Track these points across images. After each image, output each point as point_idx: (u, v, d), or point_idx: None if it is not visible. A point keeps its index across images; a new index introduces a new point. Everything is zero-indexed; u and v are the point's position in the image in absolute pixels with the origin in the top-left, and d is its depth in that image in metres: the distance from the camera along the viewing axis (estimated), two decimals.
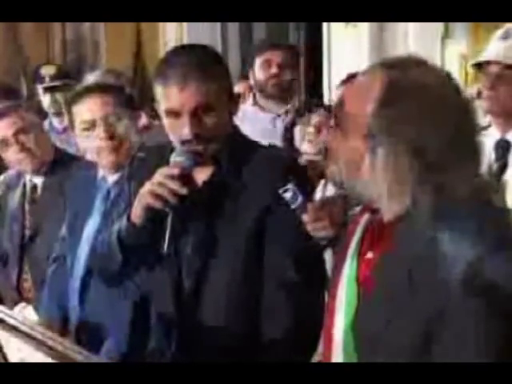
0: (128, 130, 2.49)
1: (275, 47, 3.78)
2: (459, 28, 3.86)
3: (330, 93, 4.37)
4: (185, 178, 1.91)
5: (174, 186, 1.89)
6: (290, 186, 1.82)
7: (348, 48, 4.24)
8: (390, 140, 1.39)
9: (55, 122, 4.35)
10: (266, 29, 5.59)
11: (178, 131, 1.93)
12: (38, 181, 3.08)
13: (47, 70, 4.40)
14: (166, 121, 1.96)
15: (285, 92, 3.70)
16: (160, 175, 1.91)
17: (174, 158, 1.94)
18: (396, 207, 1.42)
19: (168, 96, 1.92)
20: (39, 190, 3.08)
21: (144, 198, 1.92)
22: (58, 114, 4.30)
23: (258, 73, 3.70)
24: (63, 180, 2.90)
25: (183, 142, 1.93)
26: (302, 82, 5.21)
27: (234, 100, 2.04)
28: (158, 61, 2.02)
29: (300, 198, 1.81)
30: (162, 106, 1.95)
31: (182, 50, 2.07)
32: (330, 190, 2.67)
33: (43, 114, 4.12)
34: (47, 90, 4.35)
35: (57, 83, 4.32)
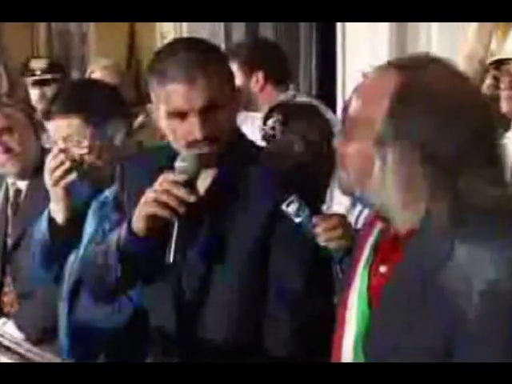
0: (103, 140, 2.51)
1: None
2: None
3: (344, 90, 4.39)
4: (191, 184, 1.92)
5: (182, 193, 1.89)
6: (293, 197, 1.85)
7: (365, 42, 4.25)
8: (402, 145, 1.42)
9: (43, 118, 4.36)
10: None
11: (184, 134, 1.94)
12: (23, 185, 3.09)
13: (37, 63, 4.42)
14: (166, 123, 1.97)
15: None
16: (165, 182, 1.91)
17: (180, 163, 1.94)
18: (409, 217, 1.45)
19: (171, 95, 1.93)
20: (23, 195, 3.09)
21: (148, 206, 1.92)
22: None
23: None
24: None
25: (190, 145, 1.95)
26: (313, 80, 5.26)
27: (237, 94, 2.07)
28: (154, 56, 2.02)
29: (306, 211, 1.86)
30: (161, 107, 1.96)
31: (181, 43, 2.07)
32: (337, 199, 2.68)
33: (30, 111, 4.12)
34: (36, 83, 4.37)
35: (47, 77, 4.34)
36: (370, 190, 1.48)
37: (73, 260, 2.54)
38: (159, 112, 1.98)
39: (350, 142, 1.50)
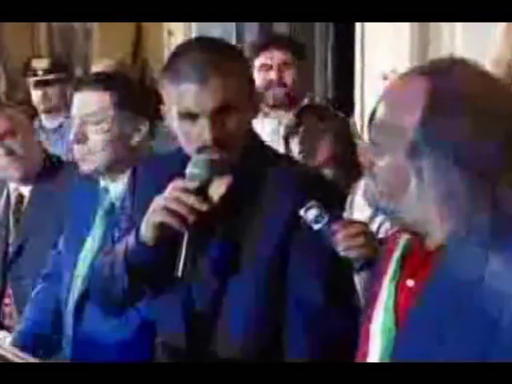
0: (124, 131, 2.53)
1: (272, 45, 3.70)
2: None
3: (363, 92, 4.39)
4: (203, 191, 1.92)
5: (193, 201, 1.89)
6: (313, 202, 1.85)
7: (385, 43, 4.25)
8: (437, 153, 1.43)
9: (46, 120, 4.39)
10: None
11: (195, 137, 1.95)
12: (25, 190, 3.10)
13: (39, 63, 4.44)
14: (178, 125, 1.97)
15: (288, 99, 3.65)
16: (175, 189, 1.91)
17: (191, 169, 1.94)
18: (446, 229, 1.46)
19: (183, 95, 1.93)
20: (26, 201, 3.10)
21: (157, 215, 1.92)
22: (49, 111, 4.35)
23: (257, 79, 3.55)
24: (55, 189, 2.94)
25: (200, 150, 1.94)
26: (329, 81, 5.25)
27: (255, 99, 2.07)
28: (169, 55, 2.02)
29: (326, 217, 1.85)
30: (173, 108, 1.97)
31: (195, 43, 2.09)
32: (359, 207, 2.69)
33: (32, 112, 4.16)
34: (38, 84, 4.39)
35: (50, 77, 4.36)
36: (404, 204, 1.49)
37: (80, 267, 2.56)
38: (171, 113, 1.99)
39: (381, 153, 1.51)
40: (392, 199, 1.51)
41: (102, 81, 2.55)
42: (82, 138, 2.50)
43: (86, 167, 2.54)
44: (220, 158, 1.94)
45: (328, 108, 3.21)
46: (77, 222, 2.62)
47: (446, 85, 1.46)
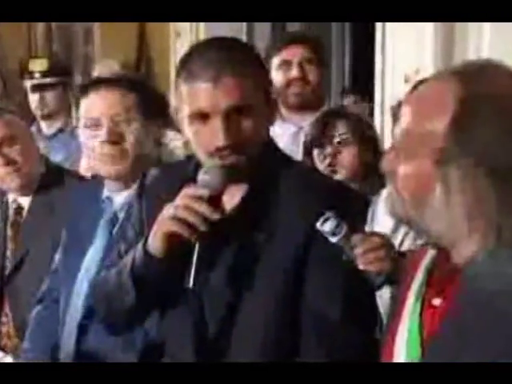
0: (140, 138, 2.54)
1: (294, 42, 3.68)
2: None
3: (383, 95, 4.40)
4: (215, 199, 1.92)
5: (205, 209, 1.89)
6: (330, 213, 1.86)
7: (406, 42, 4.25)
8: (467, 161, 1.44)
9: (44, 126, 4.40)
10: None
11: (207, 139, 1.95)
12: (24, 201, 3.11)
13: (36, 65, 4.44)
14: (189, 127, 1.98)
15: (310, 100, 3.64)
16: (186, 197, 1.92)
17: (203, 175, 1.94)
18: (474, 242, 1.46)
19: (196, 95, 1.94)
20: (25, 212, 3.10)
21: (166, 224, 1.92)
22: (48, 116, 4.35)
23: (276, 77, 3.60)
24: (55, 199, 2.95)
25: (213, 154, 1.95)
26: (346, 83, 5.24)
27: (273, 102, 2.07)
28: (183, 55, 2.05)
29: (344, 229, 1.86)
30: (185, 108, 1.98)
31: (211, 42, 2.10)
32: (380, 219, 2.69)
33: (30, 117, 4.16)
34: (36, 87, 4.39)
35: (48, 80, 4.37)
36: (427, 214, 1.49)
37: (80, 282, 2.56)
38: (183, 113, 2.00)
39: (406, 160, 1.52)
40: (415, 208, 1.51)
41: (127, 81, 2.57)
42: (117, 140, 2.51)
43: (112, 171, 2.54)
44: (234, 164, 1.95)
45: (355, 114, 3.18)
46: (77, 233, 2.63)
47: (476, 88, 1.47)
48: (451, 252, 1.52)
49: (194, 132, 1.98)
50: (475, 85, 1.48)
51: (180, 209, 1.91)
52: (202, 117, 1.95)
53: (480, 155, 1.43)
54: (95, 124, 2.52)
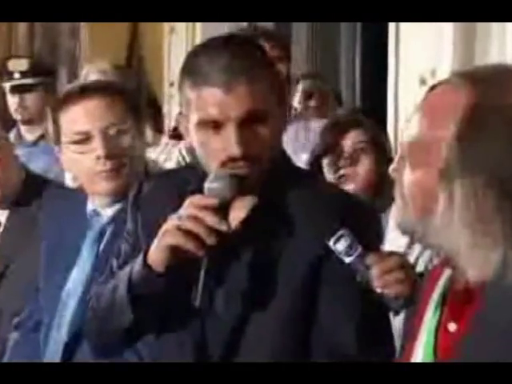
0: (134, 148, 2.53)
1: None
2: None
3: (397, 101, 4.40)
4: (224, 210, 1.91)
5: (213, 220, 1.88)
6: (343, 231, 1.86)
7: (423, 44, 4.25)
8: (472, 173, 1.44)
9: (25, 131, 4.39)
10: None
11: (219, 148, 1.95)
12: (1, 216, 3.10)
13: (16, 65, 4.44)
14: (197, 135, 1.98)
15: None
16: (192, 206, 1.91)
17: (211, 183, 1.94)
18: (481, 260, 1.46)
19: (205, 101, 1.94)
20: (2, 228, 3.10)
21: (170, 236, 1.90)
22: (29, 121, 4.35)
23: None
24: (36, 212, 2.92)
25: (225, 163, 1.95)
26: (357, 88, 5.26)
27: (286, 106, 2.08)
28: (188, 55, 2.04)
29: (359, 249, 1.86)
30: (193, 115, 1.97)
31: (220, 41, 2.07)
32: (391, 237, 2.68)
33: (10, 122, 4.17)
34: (15, 89, 4.39)
35: (29, 81, 4.36)
36: (431, 226, 1.50)
37: (65, 303, 2.54)
38: (190, 121, 1.99)
39: (412, 168, 1.53)
40: (420, 218, 1.52)
41: (115, 85, 2.60)
42: (115, 153, 2.49)
43: (110, 187, 2.52)
44: (247, 174, 1.96)
45: (368, 120, 3.17)
46: (60, 249, 2.61)
47: (485, 97, 1.47)
48: (462, 270, 1.51)
49: (204, 140, 1.97)
50: (488, 92, 1.47)
51: (185, 219, 1.90)
52: (213, 125, 1.95)
53: (487, 169, 1.43)
54: (85, 139, 2.50)
